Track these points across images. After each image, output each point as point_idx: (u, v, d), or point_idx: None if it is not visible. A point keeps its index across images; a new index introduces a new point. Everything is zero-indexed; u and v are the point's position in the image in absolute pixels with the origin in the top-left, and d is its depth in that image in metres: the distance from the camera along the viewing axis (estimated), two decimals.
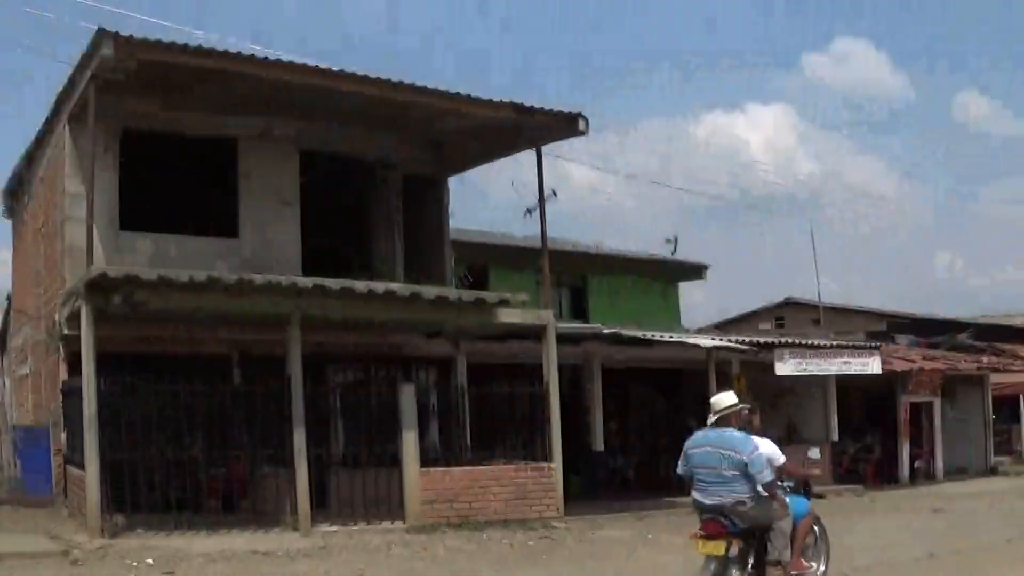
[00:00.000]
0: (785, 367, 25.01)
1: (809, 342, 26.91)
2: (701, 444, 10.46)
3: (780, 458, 11.00)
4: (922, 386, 29.66)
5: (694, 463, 10.44)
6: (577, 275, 32.56)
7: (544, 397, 19.63)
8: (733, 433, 10.42)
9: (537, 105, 19.84)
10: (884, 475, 28.87)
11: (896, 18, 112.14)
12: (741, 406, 10.99)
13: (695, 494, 10.47)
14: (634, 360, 25.32)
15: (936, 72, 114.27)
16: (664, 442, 28.48)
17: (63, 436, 19.53)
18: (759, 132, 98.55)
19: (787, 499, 11.02)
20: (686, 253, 37.00)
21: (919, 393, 29.75)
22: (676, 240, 39.23)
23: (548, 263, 21.16)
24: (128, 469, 16.35)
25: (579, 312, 31.96)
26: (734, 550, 10.13)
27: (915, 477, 28.96)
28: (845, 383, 28.17)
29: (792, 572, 10.85)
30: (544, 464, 19.42)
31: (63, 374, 19.02)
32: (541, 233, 21.26)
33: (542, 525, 18.49)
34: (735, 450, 10.17)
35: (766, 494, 10.22)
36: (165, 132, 19.23)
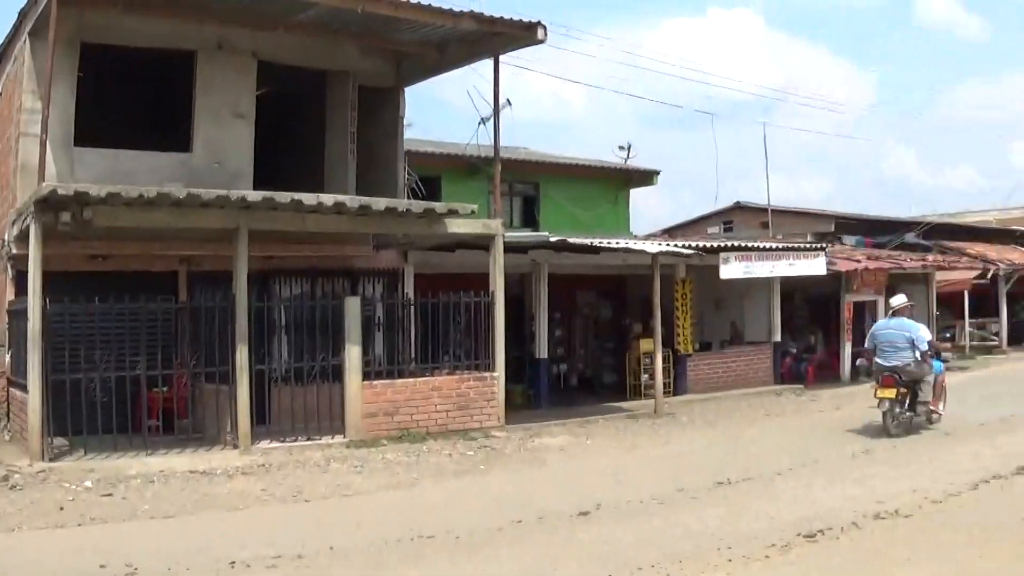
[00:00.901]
0: (730, 270, 25.14)
1: (754, 244, 27.33)
2: (884, 328, 18.77)
3: (930, 336, 19.02)
4: (866, 285, 30.54)
5: (879, 340, 18.49)
6: (529, 183, 32.96)
7: (490, 306, 20.07)
8: (905, 320, 18.61)
9: (497, 15, 19.94)
10: (826, 374, 29.83)
11: None
12: (911, 304, 19.47)
13: (878, 360, 18.32)
14: (581, 267, 25.64)
15: None
16: (609, 347, 29.43)
17: (7, 358, 19.78)
18: (720, 38, 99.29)
19: (932, 361, 18.55)
20: (644, 160, 37.49)
21: (863, 292, 30.66)
22: (629, 147, 40.04)
23: (500, 172, 21.45)
24: (71, 390, 16.42)
25: (530, 220, 32.37)
26: (899, 395, 17.91)
27: (856, 375, 29.79)
28: (791, 284, 29.00)
29: (930, 407, 18.50)
30: (487, 374, 19.88)
31: (10, 294, 19.25)
32: (494, 142, 21.44)
33: (483, 435, 19.03)
34: (908, 331, 18.28)
35: (921, 359, 18.02)
36: (124, 45, 19.19)
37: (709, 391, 26.34)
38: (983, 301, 39.99)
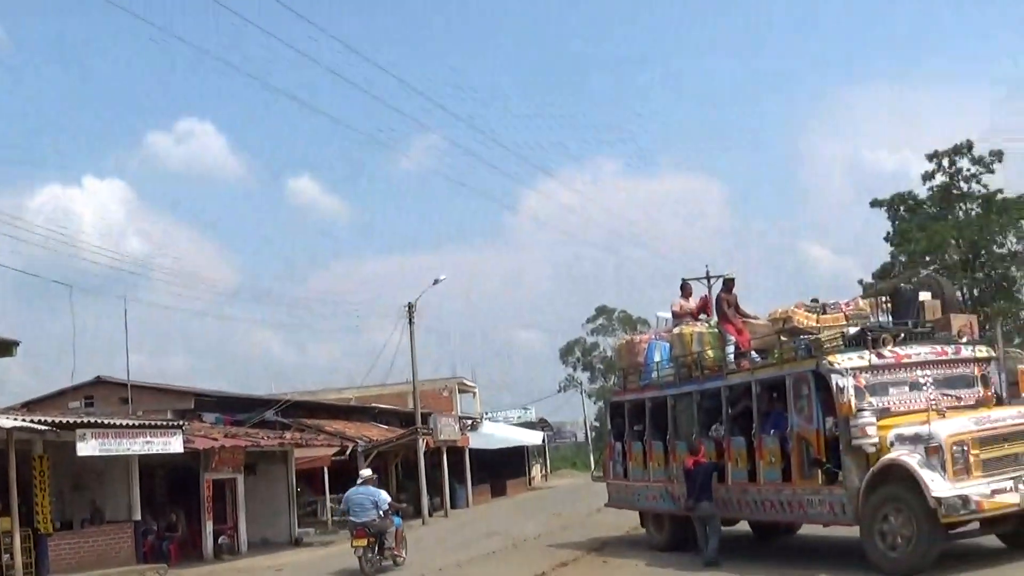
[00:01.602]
0: (87, 447, 26.24)
1: (111, 421, 28.45)
2: (355, 493, 25.09)
3: (389, 499, 25.79)
4: (225, 463, 32.80)
5: (352, 503, 24.89)
6: None
7: None
8: (370, 487, 25.29)
9: None
10: (189, 552, 31.65)
11: (238, 104, 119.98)
12: (375, 476, 26.99)
13: (351, 518, 24.73)
14: None
15: (271, 157, 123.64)
16: None
17: None
18: (92, 207, 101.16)
19: (393, 517, 25.52)
20: (8, 330, 37.49)
21: (222, 470, 32.87)
22: None
23: None
24: None
25: None
26: (369, 543, 24.39)
27: (220, 553, 31.92)
28: (151, 461, 30.58)
29: (395, 552, 25.43)
30: None
31: None
32: None
33: None
34: (372, 495, 24.89)
35: (384, 516, 24.67)
36: None
37: (72, 572, 26.73)
38: (346, 476, 43.37)
